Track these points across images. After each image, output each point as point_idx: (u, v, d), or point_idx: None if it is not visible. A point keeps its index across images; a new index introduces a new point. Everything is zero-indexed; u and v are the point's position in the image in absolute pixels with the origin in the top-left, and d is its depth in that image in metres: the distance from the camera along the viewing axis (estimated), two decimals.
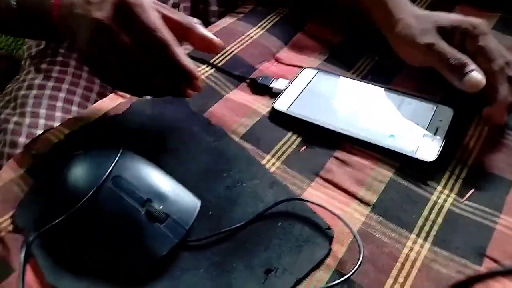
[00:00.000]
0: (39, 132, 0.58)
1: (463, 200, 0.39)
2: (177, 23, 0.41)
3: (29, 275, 0.35)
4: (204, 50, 0.43)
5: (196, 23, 0.43)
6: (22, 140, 0.58)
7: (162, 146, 0.44)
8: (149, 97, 0.49)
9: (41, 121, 0.59)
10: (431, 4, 0.63)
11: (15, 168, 0.43)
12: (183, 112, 0.48)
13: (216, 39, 0.43)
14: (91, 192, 0.35)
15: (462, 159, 0.42)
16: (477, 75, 0.42)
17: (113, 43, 0.38)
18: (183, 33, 0.42)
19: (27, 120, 0.59)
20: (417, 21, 0.47)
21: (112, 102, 0.49)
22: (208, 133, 0.45)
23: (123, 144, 0.39)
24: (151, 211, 0.35)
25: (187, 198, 0.38)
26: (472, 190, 0.40)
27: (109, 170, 0.36)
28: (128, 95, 0.50)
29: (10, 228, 0.38)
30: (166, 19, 0.40)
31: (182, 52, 0.39)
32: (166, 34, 0.38)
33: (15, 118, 0.60)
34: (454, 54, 0.43)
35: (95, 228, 0.35)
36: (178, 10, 0.67)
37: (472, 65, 0.42)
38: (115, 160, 0.37)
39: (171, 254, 0.35)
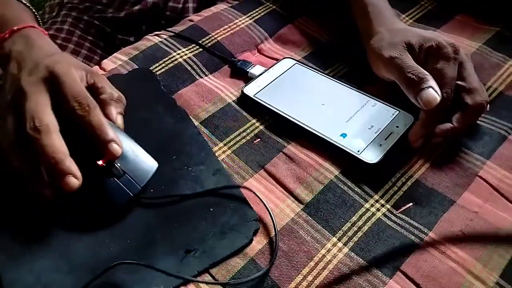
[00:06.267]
0: None
1: (397, 212, 0.39)
2: (100, 93, 0.41)
3: None
4: None
5: (113, 101, 0.42)
6: None
7: (125, 120, 0.46)
8: (125, 72, 0.51)
9: None
10: (431, 11, 0.61)
11: None
12: (153, 90, 0.50)
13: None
14: None
15: (408, 171, 0.42)
16: (432, 92, 0.41)
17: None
18: (100, 102, 0.40)
19: None
20: (390, 35, 0.47)
21: None
22: (171, 114, 0.47)
23: None
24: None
25: (146, 160, 0.41)
26: (411, 204, 0.40)
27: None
28: (108, 69, 0.52)
29: None
30: (95, 88, 0.41)
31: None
32: (87, 102, 0.37)
33: None
34: (413, 68, 0.42)
35: None
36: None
37: (430, 82, 0.41)
38: None
39: (126, 206, 0.39)
